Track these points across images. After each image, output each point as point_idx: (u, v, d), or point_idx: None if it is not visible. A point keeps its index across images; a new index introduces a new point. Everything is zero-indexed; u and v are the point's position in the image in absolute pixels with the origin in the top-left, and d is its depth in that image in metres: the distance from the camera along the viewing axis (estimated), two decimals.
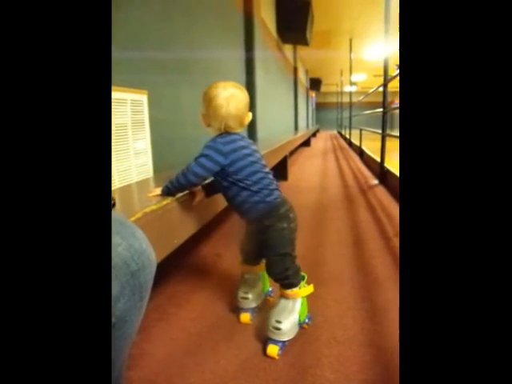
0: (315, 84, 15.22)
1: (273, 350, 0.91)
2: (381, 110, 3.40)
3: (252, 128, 3.33)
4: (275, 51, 5.39)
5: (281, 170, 3.52)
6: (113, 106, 1.15)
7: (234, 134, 0.97)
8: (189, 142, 1.96)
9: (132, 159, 1.28)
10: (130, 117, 1.26)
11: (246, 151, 0.95)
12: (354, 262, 1.50)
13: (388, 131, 3.44)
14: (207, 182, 1.06)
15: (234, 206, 1.00)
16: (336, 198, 2.81)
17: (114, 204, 0.83)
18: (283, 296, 1.00)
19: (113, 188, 1.14)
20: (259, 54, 3.53)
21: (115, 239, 0.44)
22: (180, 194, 0.99)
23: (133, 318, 0.48)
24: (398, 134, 3.12)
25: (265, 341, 0.95)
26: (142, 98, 1.34)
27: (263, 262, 1.09)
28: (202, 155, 0.93)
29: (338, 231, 1.94)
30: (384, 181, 3.30)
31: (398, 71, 2.94)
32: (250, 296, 1.10)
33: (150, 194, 0.99)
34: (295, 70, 8.30)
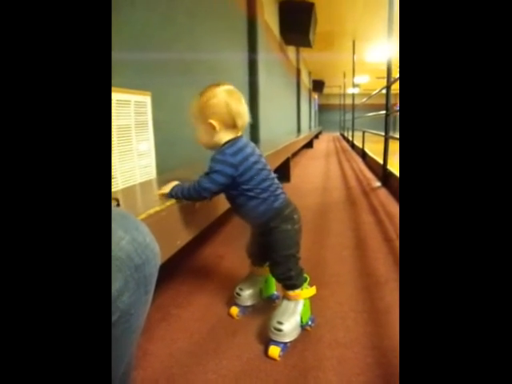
0: (318, 86, 15.20)
1: (274, 351, 0.91)
2: (384, 112, 3.40)
3: (254, 129, 3.33)
4: (278, 53, 5.40)
5: (283, 172, 3.52)
6: (116, 108, 1.16)
7: (240, 139, 0.96)
8: (192, 143, 1.97)
9: (135, 160, 1.28)
10: (134, 118, 1.27)
11: (252, 159, 0.93)
12: (356, 264, 1.50)
13: (391, 133, 3.44)
14: None
15: (241, 214, 1.01)
16: (338, 199, 2.81)
17: (119, 205, 0.84)
18: (285, 297, 1.00)
19: (116, 189, 1.15)
20: (262, 56, 3.54)
21: (118, 233, 0.44)
22: None
23: (138, 312, 0.48)
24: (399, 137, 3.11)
25: (266, 342, 0.95)
26: (146, 99, 1.35)
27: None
28: (214, 171, 0.90)
29: (341, 233, 1.94)
30: (387, 183, 3.30)
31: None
32: (243, 293, 1.11)
33: (159, 192, 0.98)
34: (298, 71, 8.30)
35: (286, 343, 0.94)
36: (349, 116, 9.93)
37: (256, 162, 0.94)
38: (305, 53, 8.53)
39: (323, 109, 21.94)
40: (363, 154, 5.77)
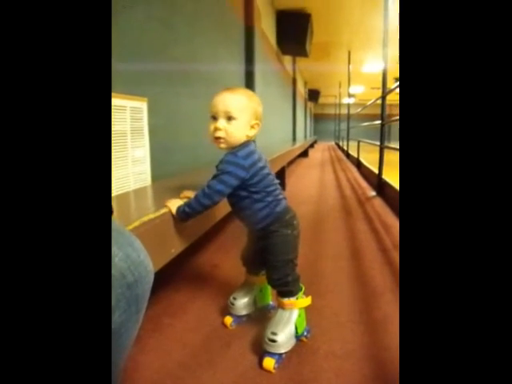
0: (313, 95, 15.34)
1: (269, 363, 0.89)
2: (379, 122, 3.42)
3: None
4: (275, 62, 5.44)
5: (279, 180, 3.51)
6: (112, 113, 1.15)
7: (251, 142, 0.96)
8: (187, 151, 1.96)
9: (130, 167, 1.27)
10: (130, 124, 1.26)
11: (260, 164, 0.94)
12: (351, 275, 1.49)
13: (386, 143, 3.46)
14: None
15: (243, 216, 1.00)
16: (334, 209, 2.80)
17: (112, 212, 0.82)
18: (280, 306, 0.99)
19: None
20: (259, 64, 3.56)
21: (112, 249, 0.43)
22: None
23: (128, 331, 0.47)
24: (394, 146, 3.13)
25: (261, 353, 0.93)
26: (142, 105, 1.34)
27: (264, 273, 1.08)
28: (225, 172, 0.89)
29: (336, 243, 1.93)
30: (381, 193, 3.31)
31: (396, 84, 2.96)
32: (236, 303, 1.09)
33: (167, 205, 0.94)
34: (294, 81, 8.37)
35: (280, 354, 0.92)
36: (344, 126, 10.01)
37: (263, 168, 0.95)
38: (301, 62, 8.61)
39: (319, 118, 22.12)
40: (358, 164, 5.79)
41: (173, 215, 0.93)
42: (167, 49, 1.69)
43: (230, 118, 0.91)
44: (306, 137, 12.76)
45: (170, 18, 1.71)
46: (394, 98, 3.92)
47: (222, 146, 0.94)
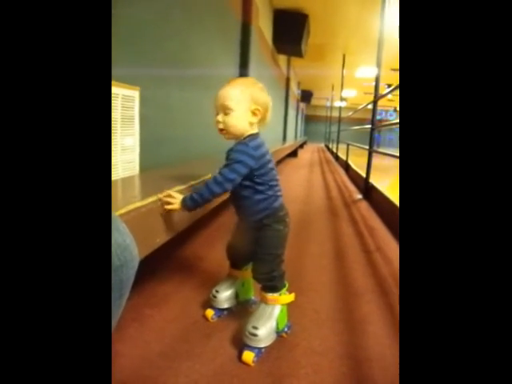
0: (306, 96, 15.38)
1: (248, 356, 0.90)
2: (369, 126, 3.46)
3: None
4: (270, 60, 5.43)
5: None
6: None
7: (259, 135, 0.98)
8: (178, 142, 1.95)
9: (119, 155, 1.26)
10: (120, 112, 1.25)
11: (268, 157, 0.96)
12: (334, 274, 1.50)
13: (374, 148, 3.49)
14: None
15: (241, 206, 1.01)
16: (320, 210, 2.83)
17: None
18: (263, 301, 0.99)
19: None
20: (254, 60, 3.55)
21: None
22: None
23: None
24: (383, 151, 3.17)
25: (241, 347, 0.94)
26: (134, 93, 1.33)
27: (249, 267, 1.08)
28: (237, 161, 0.90)
29: (321, 243, 1.95)
30: (368, 196, 3.34)
31: (387, 90, 3.00)
32: (219, 296, 1.10)
33: (167, 207, 0.94)
34: (288, 80, 8.37)
35: (260, 349, 0.92)
36: (334, 128, 10.07)
37: (269, 161, 0.97)
38: (296, 62, 8.62)
39: (310, 119, 22.20)
40: (346, 167, 5.84)
41: (164, 204, 0.93)
42: (163, 40, 1.67)
43: (227, 111, 0.94)
44: (296, 137, 12.79)
45: (166, 10, 1.70)
46: (385, 103, 3.95)
47: (227, 136, 0.98)
